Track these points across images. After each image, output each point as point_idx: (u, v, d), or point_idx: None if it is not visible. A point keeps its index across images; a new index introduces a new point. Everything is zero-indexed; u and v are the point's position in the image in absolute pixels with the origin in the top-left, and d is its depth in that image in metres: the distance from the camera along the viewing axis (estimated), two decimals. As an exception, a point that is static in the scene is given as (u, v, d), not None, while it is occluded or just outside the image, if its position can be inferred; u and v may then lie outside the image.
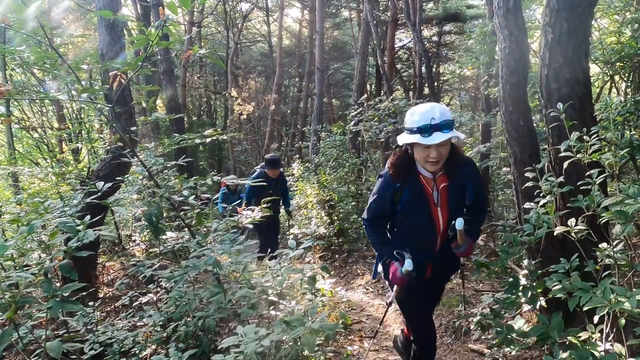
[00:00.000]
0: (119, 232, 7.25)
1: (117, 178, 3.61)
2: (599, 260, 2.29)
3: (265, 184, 5.62)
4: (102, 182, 3.02)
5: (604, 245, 2.28)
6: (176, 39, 4.30)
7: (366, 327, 4.41)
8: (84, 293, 3.20)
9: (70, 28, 12.49)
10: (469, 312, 4.05)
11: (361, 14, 13.87)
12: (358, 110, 7.59)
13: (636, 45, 4.79)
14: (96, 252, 4.75)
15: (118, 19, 2.90)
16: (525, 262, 2.74)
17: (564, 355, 2.00)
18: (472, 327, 3.67)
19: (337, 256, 7.36)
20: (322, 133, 9.41)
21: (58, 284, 3.96)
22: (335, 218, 7.66)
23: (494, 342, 3.12)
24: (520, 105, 3.37)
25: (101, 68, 3.69)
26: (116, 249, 7.04)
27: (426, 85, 9.55)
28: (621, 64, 5.70)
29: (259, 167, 6.72)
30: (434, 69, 15.20)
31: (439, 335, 4.00)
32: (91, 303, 3.38)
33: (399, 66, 17.80)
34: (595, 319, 2.02)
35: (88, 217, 2.20)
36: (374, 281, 5.96)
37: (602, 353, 2.00)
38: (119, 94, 3.30)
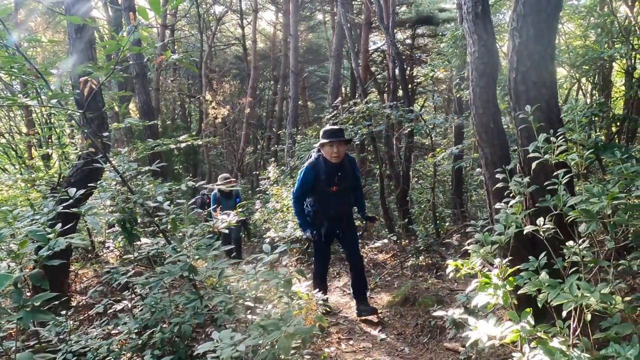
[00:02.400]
0: (92, 238, 7.12)
1: (89, 184, 3.56)
2: (566, 258, 2.36)
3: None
4: (74, 189, 2.97)
5: (570, 243, 2.35)
6: (149, 43, 4.27)
7: (344, 328, 4.44)
8: (56, 302, 3.13)
9: (39, 31, 12.23)
10: (444, 311, 4.11)
11: (335, 17, 13.95)
12: (333, 114, 7.64)
13: (600, 49, 4.96)
14: (68, 260, 4.66)
15: (88, 23, 2.86)
16: (497, 261, 2.80)
17: (534, 351, 2.05)
18: (447, 326, 3.73)
19: (313, 259, 7.36)
20: (298, 136, 9.43)
21: (29, 294, 3.87)
22: (312, 221, 7.67)
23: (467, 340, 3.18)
24: (490, 108, 3.44)
25: (71, 73, 3.63)
26: (89, 256, 6.91)
27: (400, 87, 9.67)
28: (587, 67, 5.89)
29: (314, 151, 4.53)
30: (407, 72, 15.39)
31: (415, 335, 4.05)
32: (63, 312, 3.31)
33: (373, 69, 17.95)
34: (564, 314, 2.09)
35: (59, 225, 2.16)
36: (350, 283, 5.99)
37: (570, 347, 2.07)
38: (90, 99, 3.26)
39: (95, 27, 4.46)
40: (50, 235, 2.06)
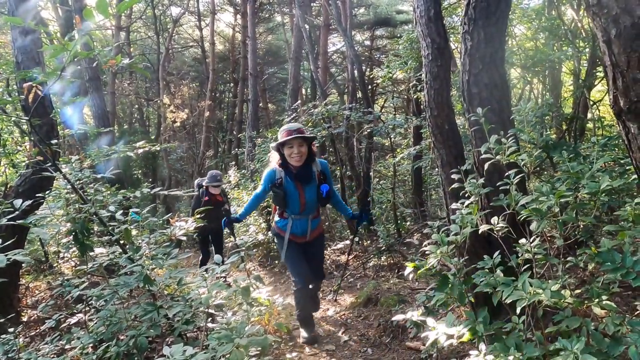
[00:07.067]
0: (45, 249, 6.82)
1: (37, 195, 3.41)
2: (520, 255, 2.43)
3: None
4: (21, 200, 2.83)
5: (523, 241, 2.42)
6: (103, 45, 4.13)
7: (307, 332, 4.42)
8: (2, 320, 2.99)
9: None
10: (405, 311, 4.15)
11: (294, 19, 13.93)
12: (292, 116, 7.61)
13: (547, 51, 5.14)
14: (18, 274, 4.45)
15: (30, 26, 2.73)
16: (454, 260, 2.85)
17: (490, 347, 2.10)
18: (408, 325, 3.77)
19: (276, 262, 7.32)
20: (258, 139, 9.36)
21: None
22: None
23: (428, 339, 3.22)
24: (445, 110, 3.50)
25: (17, 77, 3.47)
26: (43, 267, 6.62)
27: (359, 89, 9.74)
28: (538, 68, 6.10)
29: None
30: (367, 73, 15.54)
31: (378, 335, 4.08)
32: (12, 329, 3.16)
33: (333, 70, 18.04)
34: (518, 310, 2.14)
35: (-1, 240, 2.06)
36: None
37: (524, 342, 2.12)
38: (37, 105, 3.12)
39: (40, 29, 4.28)
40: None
